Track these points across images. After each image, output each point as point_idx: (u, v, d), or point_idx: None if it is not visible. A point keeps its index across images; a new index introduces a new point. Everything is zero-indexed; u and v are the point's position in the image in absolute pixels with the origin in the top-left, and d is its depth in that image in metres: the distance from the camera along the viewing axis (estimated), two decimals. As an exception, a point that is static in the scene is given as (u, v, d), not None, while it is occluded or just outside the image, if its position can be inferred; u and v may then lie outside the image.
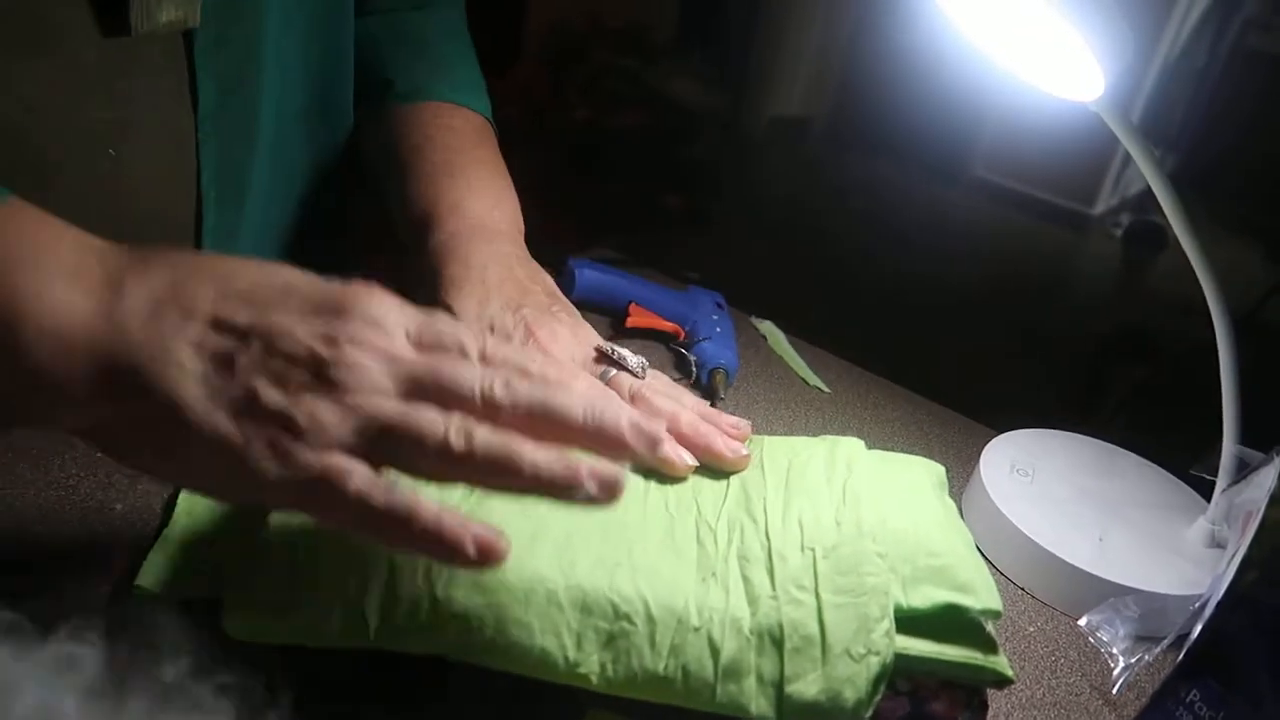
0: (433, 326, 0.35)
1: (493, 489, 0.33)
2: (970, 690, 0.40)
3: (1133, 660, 0.47)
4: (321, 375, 0.32)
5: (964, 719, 0.40)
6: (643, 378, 0.48)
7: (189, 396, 0.31)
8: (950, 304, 0.91)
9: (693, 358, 0.65)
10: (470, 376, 0.33)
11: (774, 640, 0.36)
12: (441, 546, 0.31)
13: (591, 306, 0.70)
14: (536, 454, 0.32)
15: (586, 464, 0.33)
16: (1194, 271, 0.49)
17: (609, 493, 0.33)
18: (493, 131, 0.60)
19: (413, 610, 0.36)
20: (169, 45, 0.44)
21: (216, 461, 0.31)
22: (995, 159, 1.07)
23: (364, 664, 0.37)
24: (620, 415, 0.34)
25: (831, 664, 0.36)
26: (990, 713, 0.42)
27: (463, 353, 0.35)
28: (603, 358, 0.48)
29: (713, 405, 0.63)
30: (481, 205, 0.52)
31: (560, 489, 0.32)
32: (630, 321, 0.67)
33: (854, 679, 0.36)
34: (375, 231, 0.70)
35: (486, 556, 0.31)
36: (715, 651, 0.36)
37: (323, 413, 0.32)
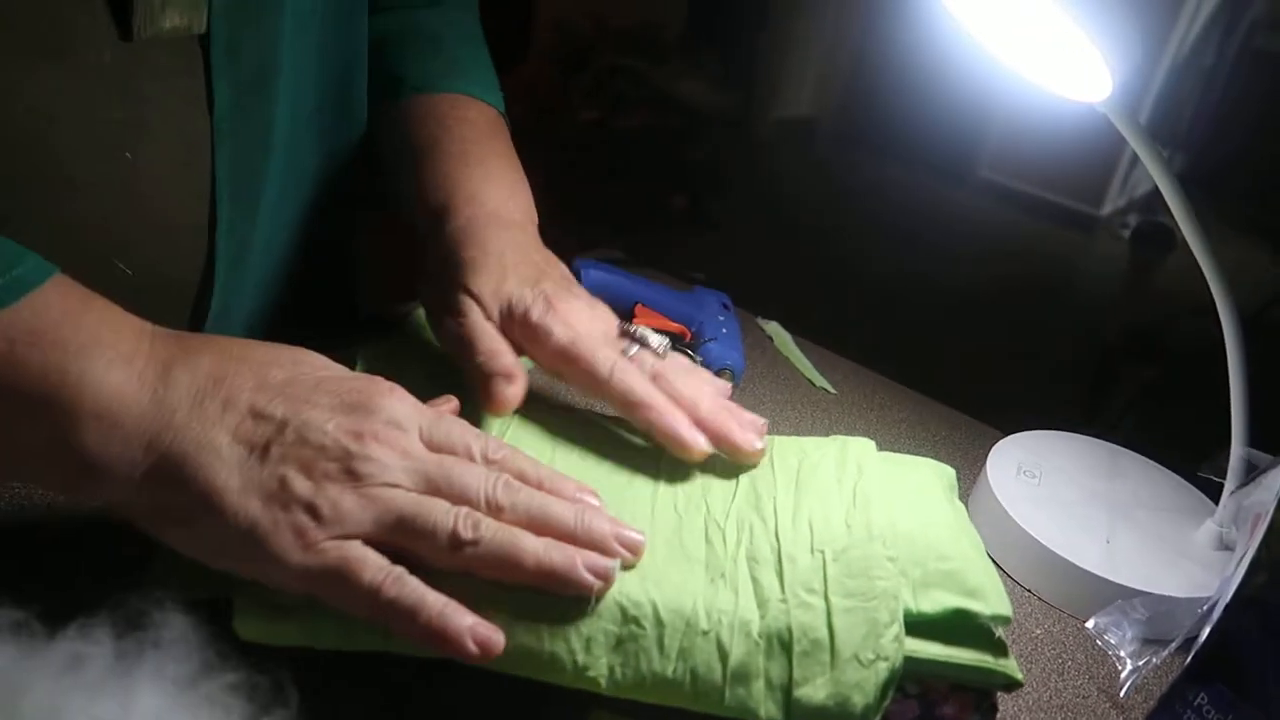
0: (441, 427, 0.39)
1: (494, 580, 0.36)
2: (980, 693, 0.40)
3: (1140, 663, 0.46)
4: (346, 467, 0.35)
5: (971, 721, 0.39)
6: (664, 357, 0.48)
7: (226, 483, 0.34)
8: (957, 305, 0.91)
9: (699, 359, 0.65)
10: (476, 478, 0.37)
11: (783, 644, 0.36)
12: (444, 640, 0.34)
13: (598, 307, 0.70)
14: (538, 544, 0.36)
15: (582, 555, 0.36)
16: (1202, 272, 0.48)
17: (605, 580, 0.36)
18: (506, 125, 0.60)
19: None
20: (184, 49, 0.44)
21: (244, 544, 0.34)
22: (1002, 160, 1.06)
23: (370, 666, 0.37)
24: (605, 526, 0.38)
25: (840, 669, 0.36)
26: (998, 715, 0.42)
27: (468, 454, 0.38)
28: (625, 334, 0.48)
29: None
30: (498, 195, 0.53)
31: (560, 578, 0.36)
32: (636, 322, 0.67)
33: (863, 684, 0.36)
34: (386, 230, 0.71)
35: (485, 652, 0.34)
36: (724, 655, 0.36)
37: (345, 502, 0.35)
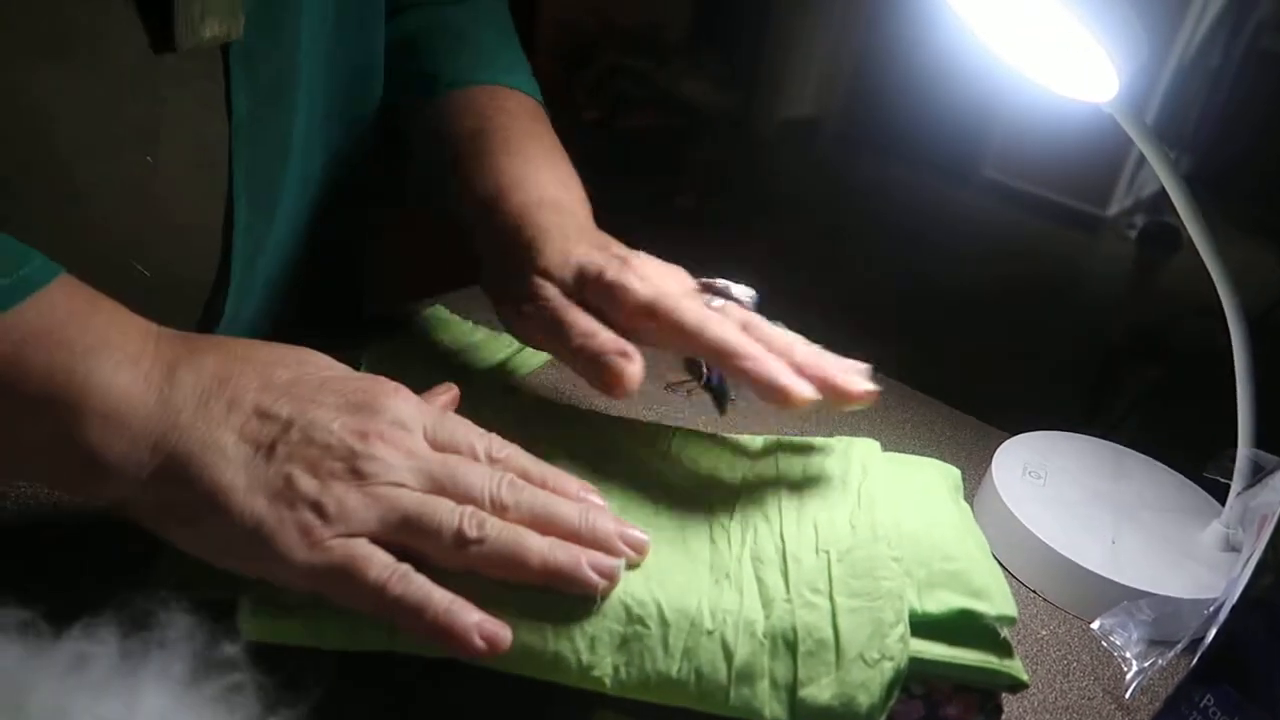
0: (446, 426, 0.39)
1: (498, 579, 0.36)
2: (985, 694, 0.40)
3: (1146, 664, 0.46)
4: (351, 466, 0.35)
5: (977, 722, 0.39)
6: (749, 307, 0.45)
7: (231, 481, 0.34)
8: (962, 305, 0.91)
9: (703, 358, 0.64)
10: (480, 477, 0.37)
11: (788, 644, 0.36)
12: (450, 637, 0.34)
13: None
14: (543, 543, 0.36)
15: (587, 554, 0.36)
16: (1208, 273, 0.48)
17: (609, 580, 0.36)
18: (545, 112, 0.58)
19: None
20: (205, 54, 0.44)
21: (250, 542, 0.34)
22: (1007, 160, 1.06)
23: (375, 666, 0.37)
24: (610, 526, 0.38)
25: (845, 669, 0.36)
26: (1003, 716, 0.41)
27: (472, 454, 0.38)
28: (707, 287, 0.46)
29: (723, 408, 0.63)
30: (547, 182, 0.51)
31: (566, 577, 0.36)
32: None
33: (868, 684, 0.36)
34: (403, 227, 0.71)
35: (493, 647, 0.34)
36: (729, 655, 0.36)
37: (350, 500, 0.35)
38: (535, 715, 0.38)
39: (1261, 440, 0.50)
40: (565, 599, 0.36)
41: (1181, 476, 0.59)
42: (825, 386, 0.41)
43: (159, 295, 0.40)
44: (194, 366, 0.36)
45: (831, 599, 0.37)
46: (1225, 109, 0.80)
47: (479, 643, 0.34)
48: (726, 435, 0.50)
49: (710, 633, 0.36)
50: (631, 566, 0.38)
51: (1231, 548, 0.53)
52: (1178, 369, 0.81)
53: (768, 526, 0.41)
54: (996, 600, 0.39)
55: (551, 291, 0.44)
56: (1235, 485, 0.52)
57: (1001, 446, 0.58)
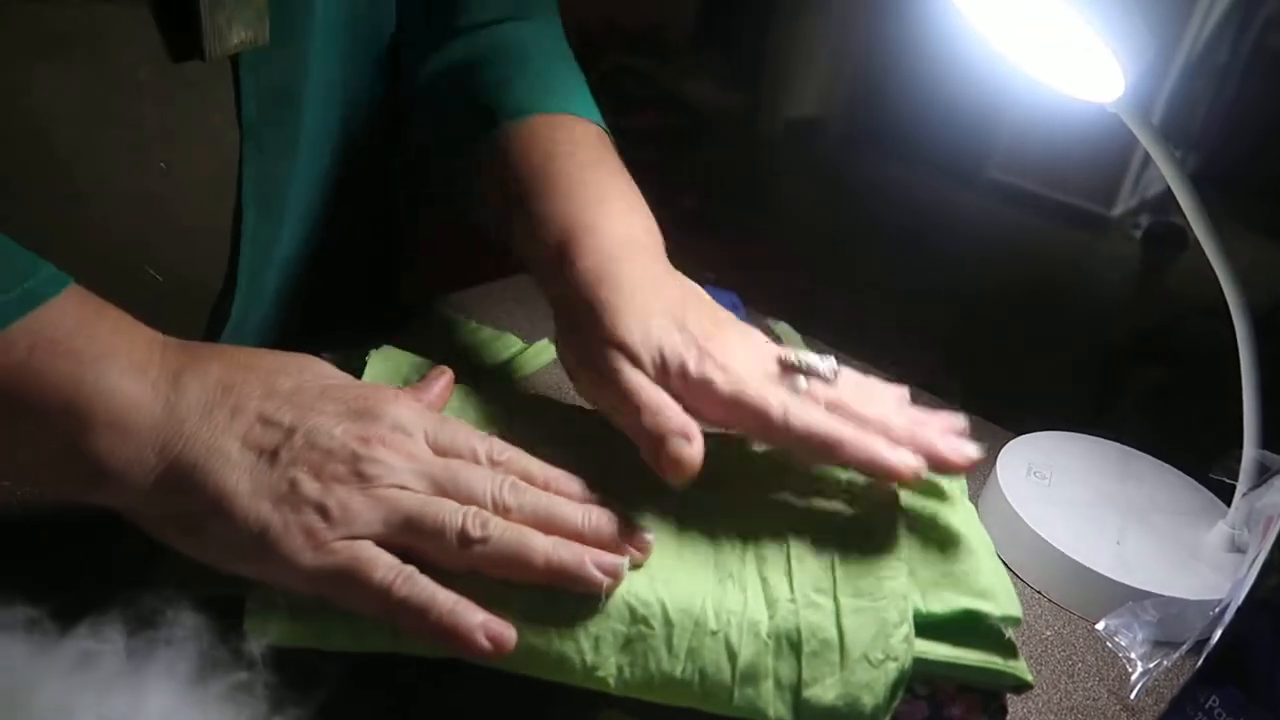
0: (447, 431, 0.39)
1: (502, 580, 0.36)
2: (989, 695, 0.39)
3: (1151, 665, 0.46)
4: (354, 469, 0.36)
5: (981, 723, 0.39)
6: (834, 382, 0.43)
7: (236, 486, 0.35)
8: (967, 305, 0.91)
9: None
10: (482, 479, 0.37)
11: (792, 644, 0.36)
12: (455, 637, 0.34)
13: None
14: (547, 543, 0.36)
15: (591, 552, 0.36)
16: (1214, 272, 0.48)
17: (613, 578, 0.36)
18: (611, 141, 0.56)
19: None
20: (220, 61, 0.44)
21: (255, 546, 0.34)
22: (1012, 160, 1.06)
23: (379, 666, 0.37)
24: (613, 526, 0.38)
25: (850, 669, 0.36)
26: (1007, 717, 0.41)
27: (474, 457, 0.39)
28: (788, 367, 0.43)
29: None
30: (618, 220, 0.49)
31: (571, 576, 0.36)
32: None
33: (872, 685, 0.35)
34: (412, 242, 0.71)
35: (498, 647, 0.34)
36: (733, 655, 0.36)
37: (354, 503, 0.35)
38: (539, 716, 0.38)
39: (1268, 441, 0.50)
40: (569, 599, 0.36)
41: (1187, 477, 0.59)
42: (928, 455, 0.40)
43: (166, 299, 0.40)
44: (199, 374, 0.36)
45: (835, 599, 0.37)
46: (1232, 108, 0.80)
47: (484, 643, 0.34)
48: (730, 435, 0.50)
49: (714, 633, 0.36)
50: (635, 566, 0.38)
51: (1237, 549, 0.53)
52: (1183, 369, 0.81)
53: (772, 526, 0.41)
54: (1001, 601, 0.39)
55: (626, 366, 0.42)
56: (1241, 486, 0.51)
57: (1006, 446, 0.58)
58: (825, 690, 0.35)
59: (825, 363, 0.43)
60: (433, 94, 0.57)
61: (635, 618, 0.36)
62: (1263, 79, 0.79)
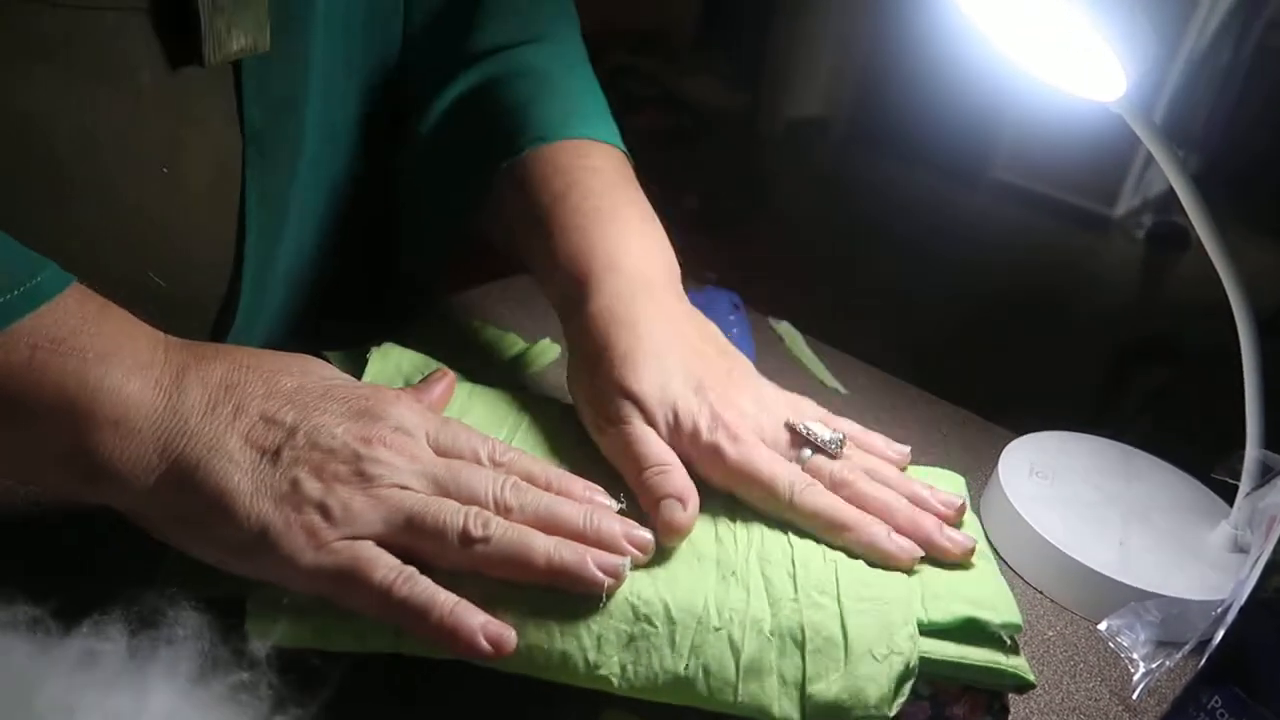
0: (449, 432, 0.39)
1: (505, 580, 0.36)
2: (991, 695, 0.39)
3: (1153, 665, 0.46)
4: (356, 469, 0.36)
5: (983, 723, 0.39)
6: (839, 454, 0.44)
7: (238, 485, 0.35)
8: (969, 305, 0.91)
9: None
10: (484, 480, 0.37)
11: (795, 641, 0.36)
12: (455, 639, 0.34)
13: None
14: (548, 543, 0.36)
15: (592, 553, 0.36)
16: (1217, 272, 0.48)
17: (615, 578, 0.36)
18: (630, 165, 0.56)
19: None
20: (219, 66, 0.44)
21: (257, 545, 0.34)
22: (1015, 160, 1.06)
23: (380, 666, 0.37)
24: (615, 526, 0.38)
25: (854, 664, 0.36)
26: (1009, 717, 0.41)
27: (475, 458, 0.39)
28: (796, 438, 0.44)
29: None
30: (637, 254, 0.49)
31: (572, 576, 0.36)
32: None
33: (876, 677, 0.36)
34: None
35: (498, 649, 0.34)
36: (736, 651, 0.36)
37: (356, 503, 0.35)
38: (541, 716, 0.38)
39: (1270, 441, 0.50)
40: (571, 599, 0.36)
41: (1189, 477, 0.59)
42: (927, 545, 0.42)
43: (168, 305, 0.40)
44: (201, 373, 0.37)
45: (839, 601, 0.37)
46: (1234, 108, 0.80)
47: (484, 644, 0.34)
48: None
49: (717, 630, 0.36)
50: (637, 566, 0.38)
51: (1240, 549, 0.53)
52: (1186, 369, 0.80)
53: (775, 528, 0.41)
54: (1001, 609, 0.39)
55: (637, 420, 0.43)
56: (1244, 486, 0.51)
57: (1009, 446, 0.58)
58: (829, 685, 0.35)
59: (832, 436, 0.45)
60: (449, 124, 0.56)
61: (638, 616, 0.36)
62: (1265, 78, 0.79)
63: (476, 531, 0.36)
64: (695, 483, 0.41)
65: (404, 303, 0.68)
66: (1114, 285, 0.95)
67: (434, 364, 0.48)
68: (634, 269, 0.47)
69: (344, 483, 0.35)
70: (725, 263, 0.80)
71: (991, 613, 0.39)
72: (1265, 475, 0.50)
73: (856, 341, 0.73)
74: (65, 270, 0.37)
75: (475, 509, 0.36)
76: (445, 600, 0.34)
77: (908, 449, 0.47)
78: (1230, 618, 0.38)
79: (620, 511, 0.40)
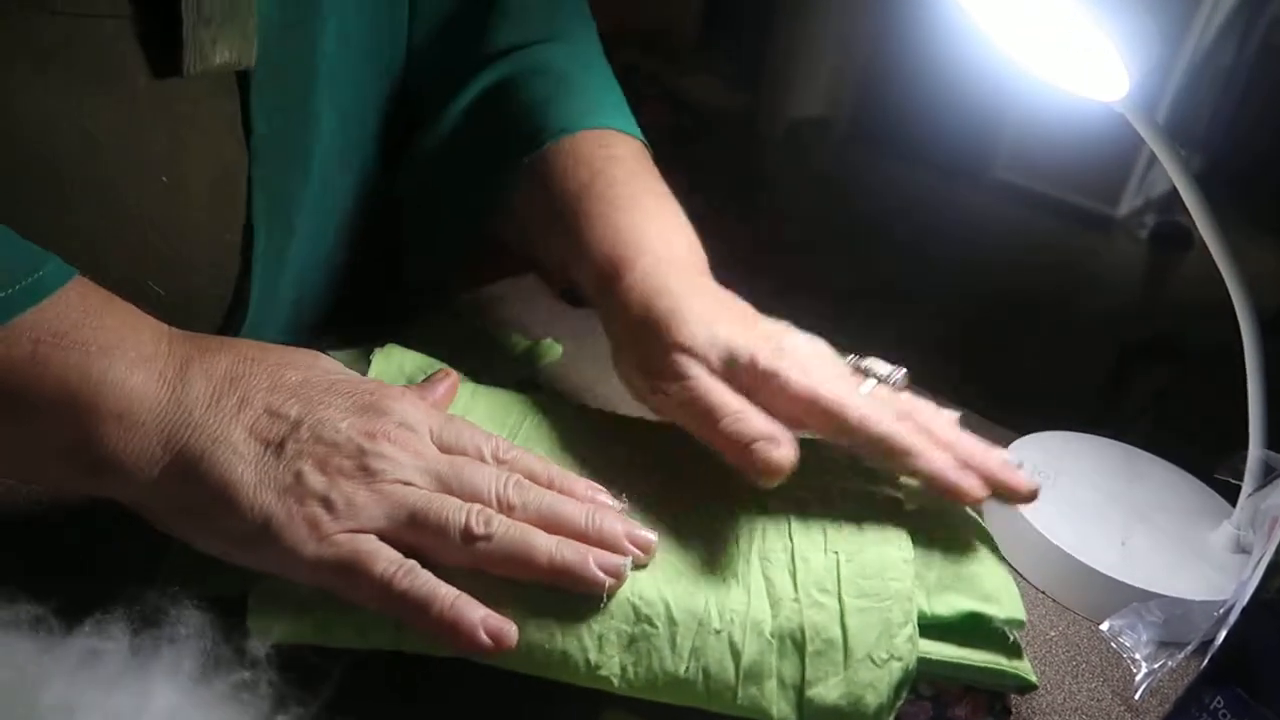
0: (452, 429, 0.39)
1: (505, 579, 0.36)
2: (993, 695, 0.39)
3: (1155, 666, 0.46)
4: (360, 464, 0.36)
5: (985, 723, 0.39)
6: (900, 390, 0.44)
7: (241, 476, 0.35)
8: (971, 305, 0.90)
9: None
10: (487, 477, 0.37)
11: (795, 643, 0.36)
12: (456, 632, 0.34)
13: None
14: (550, 541, 0.36)
15: (594, 552, 0.36)
16: (1220, 273, 0.48)
17: (616, 578, 0.36)
18: (650, 156, 0.56)
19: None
20: (223, 76, 0.44)
21: (259, 537, 0.34)
22: (1017, 160, 1.06)
23: (381, 664, 0.37)
24: (617, 526, 0.38)
25: (853, 668, 0.36)
26: (1012, 718, 0.41)
27: (479, 455, 0.39)
28: (856, 370, 0.44)
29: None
30: (665, 239, 0.49)
31: (573, 575, 0.36)
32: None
33: (876, 684, 0.35)
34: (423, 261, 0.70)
35: (498, 643, 0.34)
36: (736, 654, 0.36)
37: (359, 497, 0.35)
38: (542, 715, 0.38)
39: (1273, 441, 0.50)
40: (572, 598, 0.36)
41: (1192, 477, 0.59)
42: (992, 481, 0.40)
43: (171, 314, 0.40)
44: (205, 366, 0.37)
45: (840, 599, 0.37)
46: (1237, 107, 0.79)
47: (484, 639, 0.34)
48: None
49: (718, 632, 0.36)
50: (639, 566, 0.38)
51: (1242, 549, 0.53)
52: (1189, 369, 0.80)
53: (776, 526, 0.41)
54: (1005, 604, 0.39)
55: (696, 369, 0.42)
56: (1246, 486, 0.51)
57: (1011, 446, 0.58)
58: (829, 690, 0.35)
59: (893, 370, 0.44)
60: (466, 125, 0.56)
61: (639, 616, 0.36)
62: (1269, 78, 0.78)
63: (479, 529, 0.36)
64: (711, 473, 0.42)
65: (407, 304, 0.68)
66: (1116, 285, 0.95)
67: (437, 364, 0.48)
68: (666, 251, 0.48)
69: (348, 477, 0.36)
70: (727, 262, 0.79)
71: (995, 607, 0.39)
72: (1268, 475, 0.50)
73: (858, 341, 0.73)
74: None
75: (478, 506, 0.36)
76: (446, 594, 0.34)
77: (957, 414, 0.45)
78: (1233, 618, 0.38)
79: (623, 512, 0.40)
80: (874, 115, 1.15)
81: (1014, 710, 0.43)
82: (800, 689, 0.36)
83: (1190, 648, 0.46)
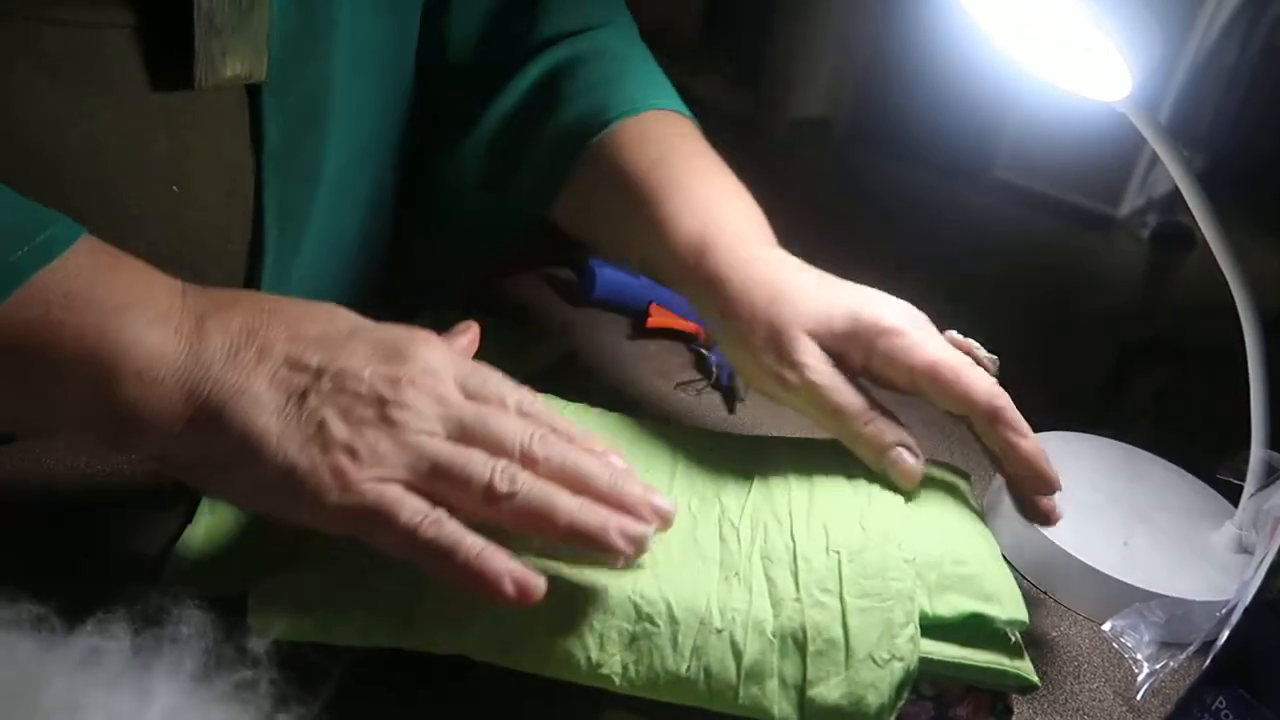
0: (477, 377, 0.38)
1: (526, 535, 0.36)
2: (995, 695, 0.39)
3: (1157, 666, 0.46)
4: (382, 413, 0.35)
5: (986, 724, 0.39)
6: (994, 373, 0.46)
7: (265, 426, 0.34)
8: (972, 305, 0.90)
9: (713, 358, 0.65)
10: (513, 428, 0.37)
11: (797, 643, 0.36)
12: (481, 582, 0.33)
13: (612, 306, 0.70)
14: (572, 503, 0.35)
15: (615, 519, 0.35)
16: (1222, 273, 0.48)
17: (636, 548, 0.35)
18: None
19: (436, 610, 0.36)
20: (234, 87, 0.44)
21: (283, 486, 0.34)
22: (1018, 160, 1.06)
23: (381, 662, 0.37)
24: (637, 490, 0.37)
25: (855, 668, 0.36)
26: (1013, 718, 0.41)
27: (503, 405, 0.38)
28: (957, 346, 0.47)
29: (732, 407, 0.63)
30: (744, 215, 0.51)
31: (593, 539, 0.35)
32: (650, 322, 0.67)
33: (877, 684, 0.35)
34: (431, 268, 0.70)
35: (524, 595, 0.33)
36: (738, 653, 0.36)
37: (382, 445, 0.35)
38: (543, 714, 0.38)
39: (1275, 442, 0.50)
40: (573, 597, 0.36)
41: (1194, 478, 0.59)
42: (1033, 469, 0.44)
43: None
44: (222, 320, 0.36)
45: (841, 599, 0.37)
46: (1239, 107, 0.79)
47: (510, 588, 0.33)
48: (736, 434, 0.50)
49: (719, 631, 0.36)
50: (642, 553, 0.37)
51: (1244, 550, 0.53)
52: (1190, 369, 0.80)
53: (778, 526, 0.41)
54: (1007, 605, 0.39)
55: (818, 361, 0.44)
56: (1248, 487, 0.51)
57: (1012, 447, 0.58)
58: (830, 689, 0.35)
59: (988, 356, 0.46)
60: (522, 113, 0.57)
61: (640, 615, 0.36)
62: (1271, 78, 0.78)
63: (503, 487, 0.35)
64: (713, 473, 0.42)
65: (414, 303, 0.68)
66: (1118, 285, 0.95)
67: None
68: (744, 226, 0.50)
69: (371, 425, 0.35)
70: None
71: (997, 608, 0.39)
72: (1270, 476, 0.50)
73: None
74: None
75: (503, 463, 0.35)
76: (473, 543, 0.34)
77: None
78: (1235, 619, 0.38)
79: None
80: (875, 115, 1.15)
81: (1016, 710, 0.43)
82: (802, 689, 0.36)
83: (1192, 648, 0.45)
